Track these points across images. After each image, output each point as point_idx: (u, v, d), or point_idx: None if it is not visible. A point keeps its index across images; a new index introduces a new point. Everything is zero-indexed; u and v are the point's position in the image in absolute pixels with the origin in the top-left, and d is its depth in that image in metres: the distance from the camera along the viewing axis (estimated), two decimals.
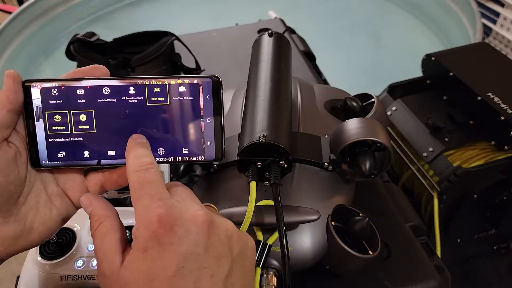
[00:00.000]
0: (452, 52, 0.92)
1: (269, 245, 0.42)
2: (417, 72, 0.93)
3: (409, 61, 1.12)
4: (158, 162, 0.32)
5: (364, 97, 0.58)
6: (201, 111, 0.32)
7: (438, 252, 0.79)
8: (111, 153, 0.32)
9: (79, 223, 0.48)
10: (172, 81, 0.31)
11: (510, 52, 1.62)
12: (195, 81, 0.31)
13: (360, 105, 0.56)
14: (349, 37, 1.94)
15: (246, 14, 2.01)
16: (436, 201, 0.77)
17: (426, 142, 0.81)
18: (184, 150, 0.32)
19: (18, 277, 0.47)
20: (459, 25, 1.69)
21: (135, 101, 0.31)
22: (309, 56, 0.94)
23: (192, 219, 0.26)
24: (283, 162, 0.43)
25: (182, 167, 0.48)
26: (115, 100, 0.31)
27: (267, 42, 0.58)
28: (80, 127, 0.31)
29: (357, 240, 0.44)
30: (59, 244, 0.46)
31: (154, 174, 0.28)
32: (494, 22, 1.68)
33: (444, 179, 0.76)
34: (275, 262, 0.43)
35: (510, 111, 0.73)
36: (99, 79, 0.31)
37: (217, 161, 0.33)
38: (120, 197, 0.52)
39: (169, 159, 0.32)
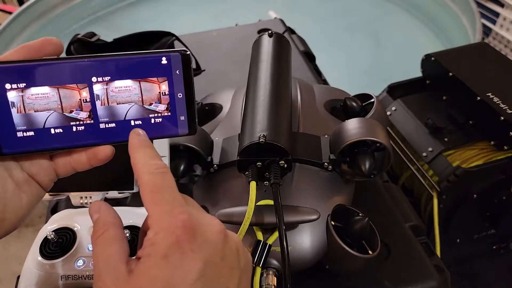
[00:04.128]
0: (452, 52, 0.92)
1: (269, 245, 0.42)
2: (417, 72, 0.94)
3: (408, 61, 1.12)
4: (125, 140, 0.31)
5: (364, 97, 0.58)
6: (171, 86, 0.31)
7: (438, 252, 0.79)
8: (79, 135, 0.30)
9: (79, 223, 0.48)
10: (140, 57, 0.30)
11: (510, 52, 1.62)
12: (164, 56, 0.31)
13: (359, 105, 0.56)
14: (349, 37, 1.94)
15: (246, 14, 2.01)
16: (435, 201, 0.77)
17: (426, 142, 0.81)
18: (157, 126, 0.31)
19: (18, 277, 0.47)
20: (459, 25, 1.69)
21: (102, 79, 0.30)
22: (309, 56, 0.94)
23: (210, 228, 0.26)
24: (283, 162, 0.43)
25: (182, 167, 0.48)
26: (80, 79, 0.30)
27: (267, 42, 0.58)
28: (42, 110, 0.29)
29: (356, 240, 0.44)
30: (59, 244, 0.47)
31: (171, 179, 0.27)
32: (494, 22, 1.68)
33: (443, 179, 0.76)
34: (275, 262, 0.43)
35: (510, 111, 0.73)
36: (61, 59, 0.30)
37: (190, 135, 0.32)
38: (120, 197, 0.52)
39: None
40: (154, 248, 0.24)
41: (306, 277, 0.48)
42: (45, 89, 0.29)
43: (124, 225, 0.46)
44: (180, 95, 0.31)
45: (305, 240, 0.44)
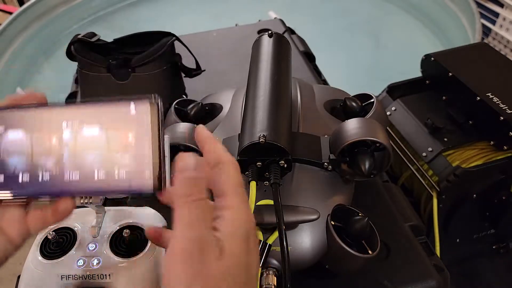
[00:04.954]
0: (452, 52, 0.92)
1: (269, 244, 0.42)
2: (417, 72, 0.94)
3: (408, 61, 1.12)
4: (88, 193, 0.30)
5: (364, 97, 0.58)
6: (138, 136, 0.29)
7: (437, 252, 0.79)
8: (44, 183, 0.29)
9: (79, 223, 0.48)
10: (109, 103, 0.29)
11: (509, 52, 1.62)
12: (132, 103, 0.29)
13: (359, 105, 0.56)
14: (349, 37, 1.94)
15: (246, 14, 2.01)
16: (435, 201, 0.77)
17: (426, 142, 0.82)
18: (121, 180, 0.29)
19: (18, 277, 0.47)
20: (459, 26, 1.69)
21: (71, 126, 0.29)
22: (308, 57, 0.94)
23: None
24: (283, 162, 0.44)
25: None
26: (48, 128, 0.29)
27: (267, 43, 0.58)
28: (14, 155, 0.29)
29: (356, 240, 0.44)
30: (59, 243, 0.47)
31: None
32: (493, 22, 1.68)
33: (443, 179, 0.76)
34: (275, 262, 0.43)
35: (509, 111, 0.73)
36: (32, 107, 0.29)
37: (157, 193, 0.29)
38: (121, 197, 0.52)
39: (102, 190, 0.29)
40: (235, 230, 0.26)
41: (306, 277, 0.48)
42: (19, 134, 0.29)
43: (124, 225, 0.46)
44: (145, 146, 0.29)
45: (305, 240, 0.44)
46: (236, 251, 0.26)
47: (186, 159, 0.28)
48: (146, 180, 0.28)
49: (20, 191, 0.29)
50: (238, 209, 0.27)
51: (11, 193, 0.29)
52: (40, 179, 0.29)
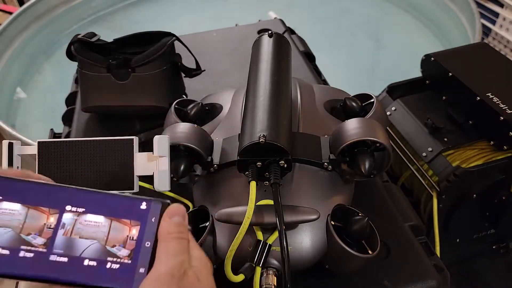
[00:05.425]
0: (452, 53, 0.92)
1: (269, 244, 0.42)
2: (417, 73, 0.94)
3: (408, 62, 1.13)
4: (75, 285, 0.28)
5: (364, 97, 0.58)
6: (142, 232, 0.29)
7: (437, 252, 0.79)
8: (24, 262, 0.28)
9: None
10: (122, 197, 0.30)
11: (509, 52, 1.62)
12: (144, 201, 0.30)
13: (359, 105, 0.56)
14: (349, 37, 1.94)
15: (246, 14, 2.02)
16: (435, 201, 0.77)
17: (426, 142, 0.82)
18: (111, 273, 0.28)
19: None
20: (459, 26, 1.69)
21: (76, 210, 0.29)
22: (309, 57, 0.94)
23: None
24: (283, 162, 0.44)
25: (182, 167, 0.48)
26: (54, 204, 0.29)
27: (267, 43, 0.58)
28: (0, 226, 0.28)
29: (356, 240, 0.44)
30: None
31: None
32: (493, 22, 1.68)
33: (443, 179, 0.76)
34: (275, 262, 0.43)
35: (509, 111, 0.73)
36: (44, 184, 0.29)
37: None
38: None
39: (88, 283, 0.28)
40: (204, 265, 0.31)
41: (306, 277, 0.48)
42: (16, 206, 0.29)
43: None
44: (147, 244, 0.29)
45: (305, 240, 0.44)
46: (208, 279, 0.30)
47: (177, 207, 0.31)
48: (138, 277, 0.28)
49: (9, 270, 0.28)
50: (200, 250, 0.32)
51: None
52: (19, 256, 0.28)
